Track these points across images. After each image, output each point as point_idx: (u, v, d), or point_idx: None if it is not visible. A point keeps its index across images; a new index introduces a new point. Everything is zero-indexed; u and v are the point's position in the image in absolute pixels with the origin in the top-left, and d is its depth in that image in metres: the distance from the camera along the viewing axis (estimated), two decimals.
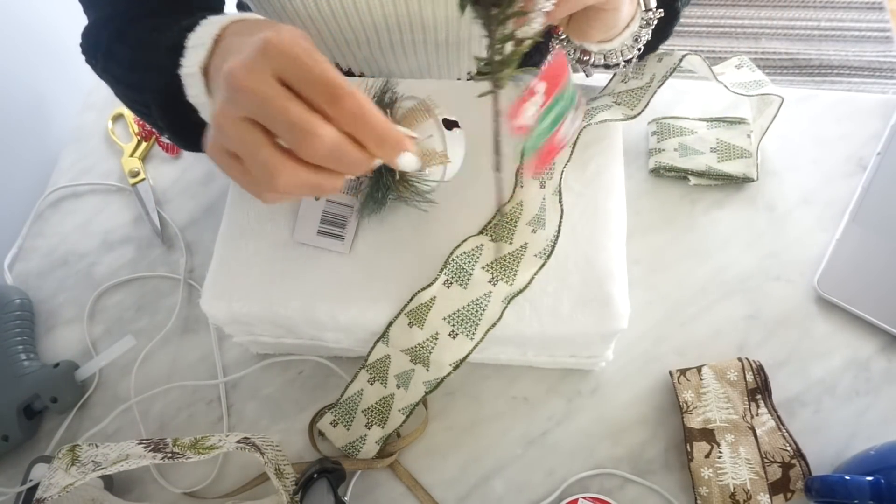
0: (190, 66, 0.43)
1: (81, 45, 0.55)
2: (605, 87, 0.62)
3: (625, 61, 0.55)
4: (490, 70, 0.40)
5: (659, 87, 0.56)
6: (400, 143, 0.36)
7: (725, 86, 0.61)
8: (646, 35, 0.53)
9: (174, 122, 0.49)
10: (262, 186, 0.36)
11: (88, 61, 0.55)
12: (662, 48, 0.59)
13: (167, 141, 0.75)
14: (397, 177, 0.51)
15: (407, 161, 0.38)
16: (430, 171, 0.51)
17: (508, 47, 0.40)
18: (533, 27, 0.40)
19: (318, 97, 0.34)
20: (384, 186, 0.51)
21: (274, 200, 0.38)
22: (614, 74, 0.62)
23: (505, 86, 0.41)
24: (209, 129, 0.37)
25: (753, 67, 0.66)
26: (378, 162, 0.38)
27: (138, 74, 0.50)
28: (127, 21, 0.52)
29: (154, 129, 0.62)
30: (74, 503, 0.54)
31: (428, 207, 0.54)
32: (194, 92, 0.44)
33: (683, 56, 0.57)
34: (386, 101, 0.51)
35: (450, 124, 0.51)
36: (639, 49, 0.54)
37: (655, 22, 0.51)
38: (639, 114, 0.57)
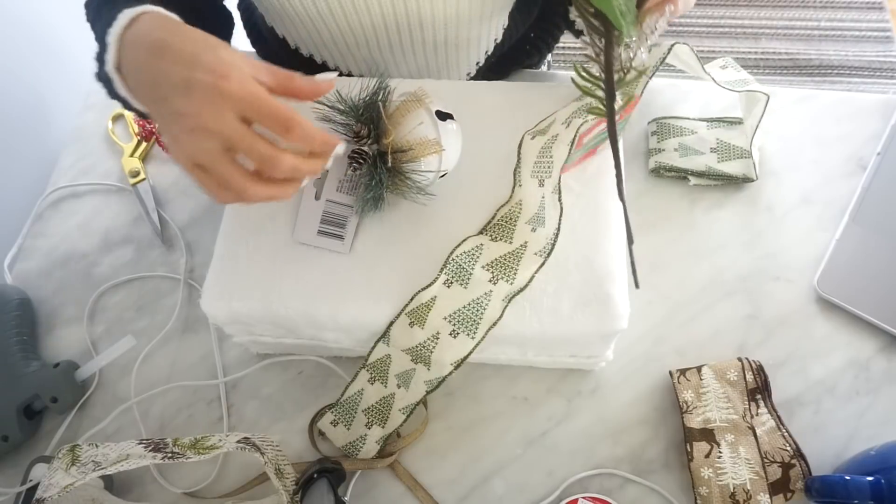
0: (108, 64, 0.46)
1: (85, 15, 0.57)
2: None
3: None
4: (606, 94, 0.45)
5: (650, 78, 0.57)
6: (334, 143, 0.45)
7: (713, 79, 0.62)
8: (663, 26, 0.53)
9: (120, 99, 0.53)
10: (230, 197, 0.44)
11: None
12: (651, 42, 0.59)
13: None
14: (389, 163, 0.51)
15: (338, 150, 0.46)
16: (425, 161, 0.51)
17: (618, 76, 0.45)
18: (641, 56, 0.46)
19: (274, 129, 0.42)
20: (379, 180, 0.52)
21: (229, 202, 0.45)
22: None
23: (620, 111, 0.46)
24: (174, 142, 0.43)
25: (738, 67, 0.66)
26: (328, 165, 0.46)
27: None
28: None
29: None
30: (74, 503, 0.54)
31: (427, 201, 0.54)
32: (117, 87, 0.48)
33: (672, 46, 0.57)
34: (380, 99, 0.52)
35: (443, 116, 0.51)
36: (656, 38, 0.55)
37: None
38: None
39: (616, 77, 0.45)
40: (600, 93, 0.46)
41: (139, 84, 0.46)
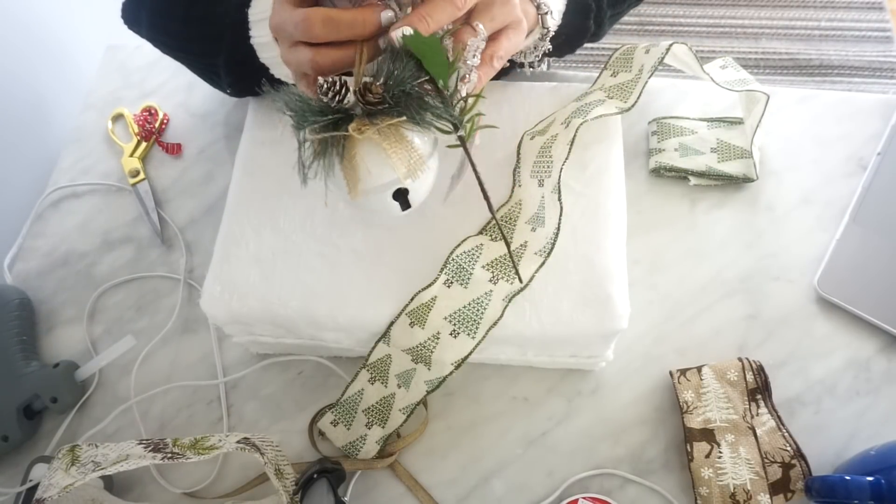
0: (263, 37, 0.53)
1: (122, 17, 0.61)
2: (595, 82, 0.62)
3: (528, 63, 0.60)
4: (456, 126, 0.45)
5: (649, 77, 0.56)
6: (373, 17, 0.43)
7: (712, 78, 0.62)
8: (544, 46, 0.57)
9: (240, 73, 0.59)
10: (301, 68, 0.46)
11: (131, 29, 0.62)
12: (650, 41, 0.59)
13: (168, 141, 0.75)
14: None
15: (386, 17, 0.44)
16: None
17: (458, 107, 0.45)
18: (471, 81, 0.45)
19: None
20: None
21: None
22: (602, 70, 0.62)
23: (471, 139, 0.45)
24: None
25: (738, 67, 0.66)
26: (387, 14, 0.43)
27: (196, 43, 0.59)
28: None
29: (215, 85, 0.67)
30: (74, 503, 0.54)
31: (426, 208, 0.54)
32: (269, 54, 0.54)
33: (670, 45, 0.57)
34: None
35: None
36: (536, 57, 0.59)
37: (551, 34, 0.54)
38: (632, 105, 0.57)
39: (459, 106, 0.44)
40: (447, 126, 0.45)
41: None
